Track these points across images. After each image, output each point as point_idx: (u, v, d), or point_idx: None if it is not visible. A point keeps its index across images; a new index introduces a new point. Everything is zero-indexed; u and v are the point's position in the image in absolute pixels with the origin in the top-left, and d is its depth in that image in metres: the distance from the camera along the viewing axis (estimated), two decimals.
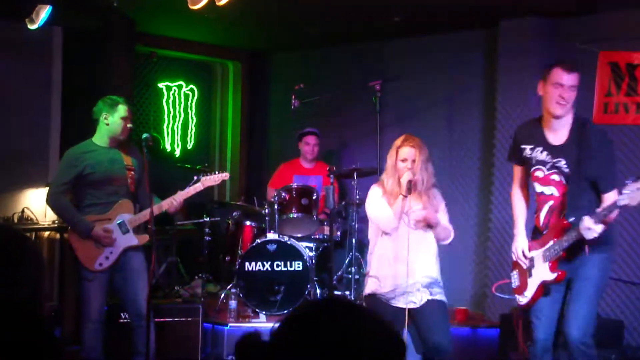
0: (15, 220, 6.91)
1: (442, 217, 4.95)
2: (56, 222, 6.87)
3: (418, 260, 4.86)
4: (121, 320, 5.90)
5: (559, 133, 4.42)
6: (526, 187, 4.80)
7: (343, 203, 7.57)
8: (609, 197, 4.28)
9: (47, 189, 5.58)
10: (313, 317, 1.49)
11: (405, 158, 4.84)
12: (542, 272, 4.44)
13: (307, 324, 1.47)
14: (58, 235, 6.90)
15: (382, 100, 6.99)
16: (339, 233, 7.49)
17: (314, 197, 7.13)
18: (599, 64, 6.32)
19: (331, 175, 6.62)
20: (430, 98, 7.74)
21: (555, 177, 4.42)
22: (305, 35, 8.14)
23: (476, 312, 7.13)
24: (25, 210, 6.99)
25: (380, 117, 6.97)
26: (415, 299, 4.81)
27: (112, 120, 5.34)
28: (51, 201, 5.38)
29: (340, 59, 8.62)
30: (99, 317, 5.34)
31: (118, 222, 5.35)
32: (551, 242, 4.39)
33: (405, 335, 4.76)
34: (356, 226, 7.19)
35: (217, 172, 5.81)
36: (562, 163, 4.37)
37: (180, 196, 5.54)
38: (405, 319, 4.76)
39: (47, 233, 7.01)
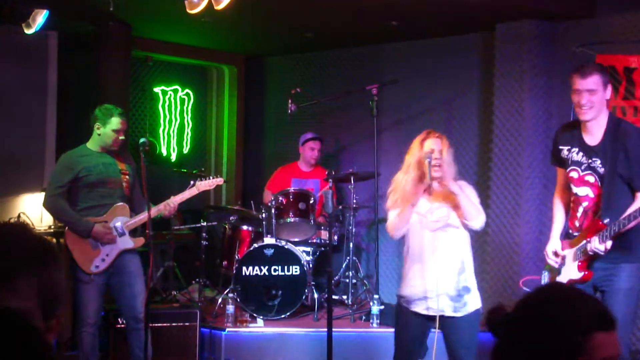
0: None
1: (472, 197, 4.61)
2: (52, 227, 6.84)
3: (438, 264, 4.52)
4: (118, 326, 5.89)
5: (594, 134, 4.42)
6: (567, 190, 4.68)
7: (340, 207, 7.56)
8: None
9: (43, 193, 5.57)
10: (540, 296, 1.95)
11: (432, 149, 4.48)
12: (570, 271, 4.45)
13: (536, 301, 1.93)
14: (54, 240, 6.86)
15: (379, 104, 6.99)
16: (336, 237, 7.48)
17: (311, 202, 7.11)
18: None
19: (330, 180, 6.61)
20: (427, 102, 7.73)
21: (590, 179, 4.41)
22: (302, 39, 8.12)
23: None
24: (21, 215, 6.96)
25: (377, 121, 6.98)
26: (434, 305, 4.48)
27: (104, 131, 5.37)
28: (49, 204, 5.37)
29: (337, 63, 8.60)
30: (96, 320, 5.33)
31: (114, 224, 5.35)
32: (584, 242, 4.36)
33: (436, 338, 4.59)
34: (353, 230, 7.19)
35: (211, 177, 5.89)
36: (598, 163, 4.36)
37: (176, 200, 5.56)
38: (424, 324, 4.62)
39: None
